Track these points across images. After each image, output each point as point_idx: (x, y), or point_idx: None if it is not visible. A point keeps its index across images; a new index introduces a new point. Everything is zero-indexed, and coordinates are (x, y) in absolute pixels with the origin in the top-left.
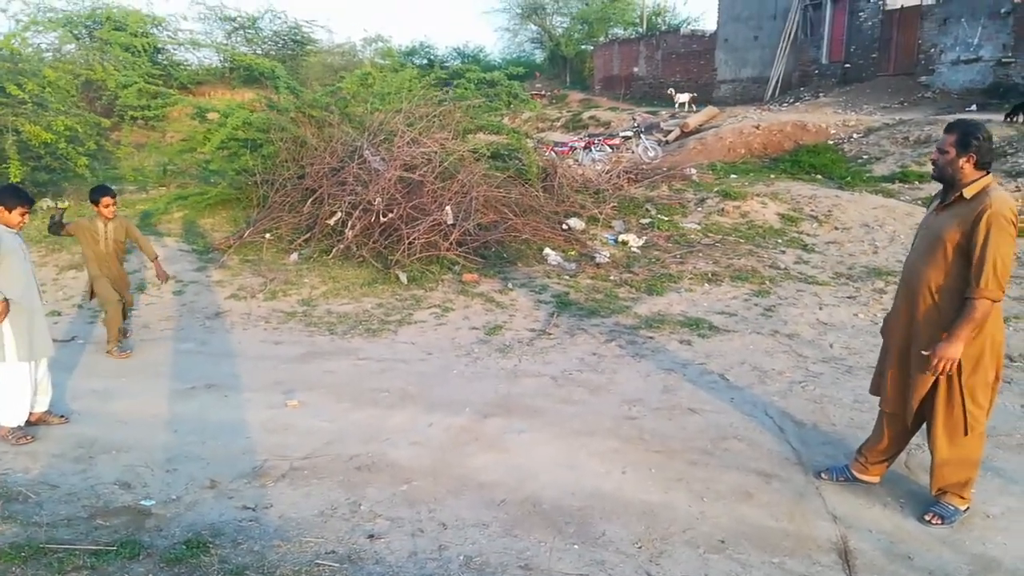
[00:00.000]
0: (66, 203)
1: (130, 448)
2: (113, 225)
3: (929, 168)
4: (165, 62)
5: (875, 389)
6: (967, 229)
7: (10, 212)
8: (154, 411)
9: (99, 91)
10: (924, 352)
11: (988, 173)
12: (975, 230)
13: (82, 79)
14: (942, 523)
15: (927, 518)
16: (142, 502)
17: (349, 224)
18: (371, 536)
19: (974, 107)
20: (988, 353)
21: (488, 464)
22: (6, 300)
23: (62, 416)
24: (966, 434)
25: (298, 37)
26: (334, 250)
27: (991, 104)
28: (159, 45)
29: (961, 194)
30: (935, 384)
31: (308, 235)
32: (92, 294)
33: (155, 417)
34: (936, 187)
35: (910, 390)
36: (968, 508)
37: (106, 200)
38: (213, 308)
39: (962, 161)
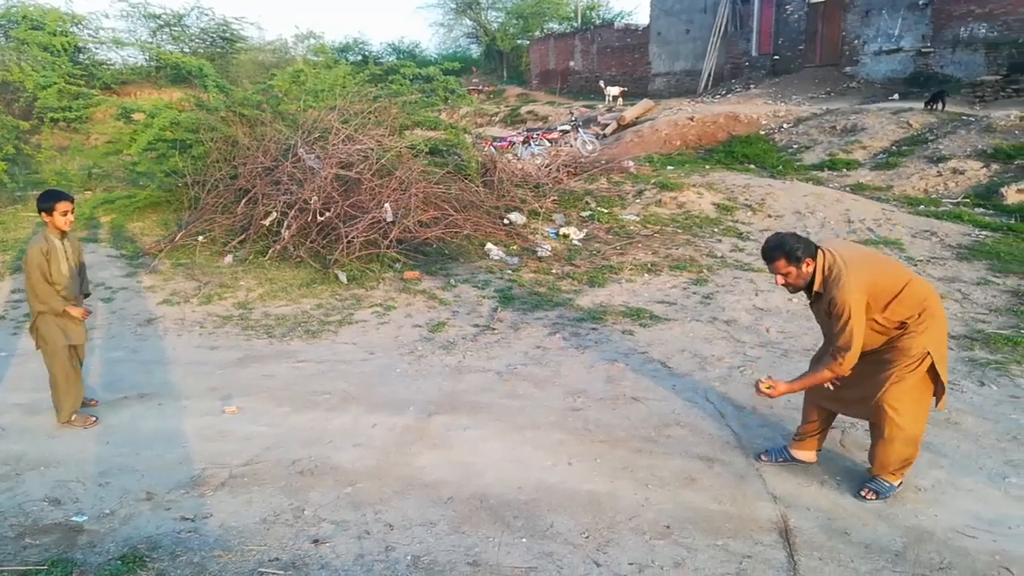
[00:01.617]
0: None
1: (59, 463)
2: (69, 243)
3: (856, 156)
4: (87, 62)
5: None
6: (829, 313)
7: None
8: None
9: (16, 92)
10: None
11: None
12: (835, 317)
13: None
14: (877, 498)
15: (862, 494)
16: (74, 518)
17: (285, 224)
18: (316, 541)
19: (896, 96)
20: (944, 346)
21: (434, 462)
22: None
23: None
24: (937, 406)
25: (227, 34)
26: (270, 251)
27: (912, 93)
28: (80, 44)
29: (815, 291)
30: (900, 375)
31: (243, 236)
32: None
33: (85, 429)
34: None
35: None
36: (901, 483)
37: (64, 206)
38: (145, 315)
39: (804, 268)
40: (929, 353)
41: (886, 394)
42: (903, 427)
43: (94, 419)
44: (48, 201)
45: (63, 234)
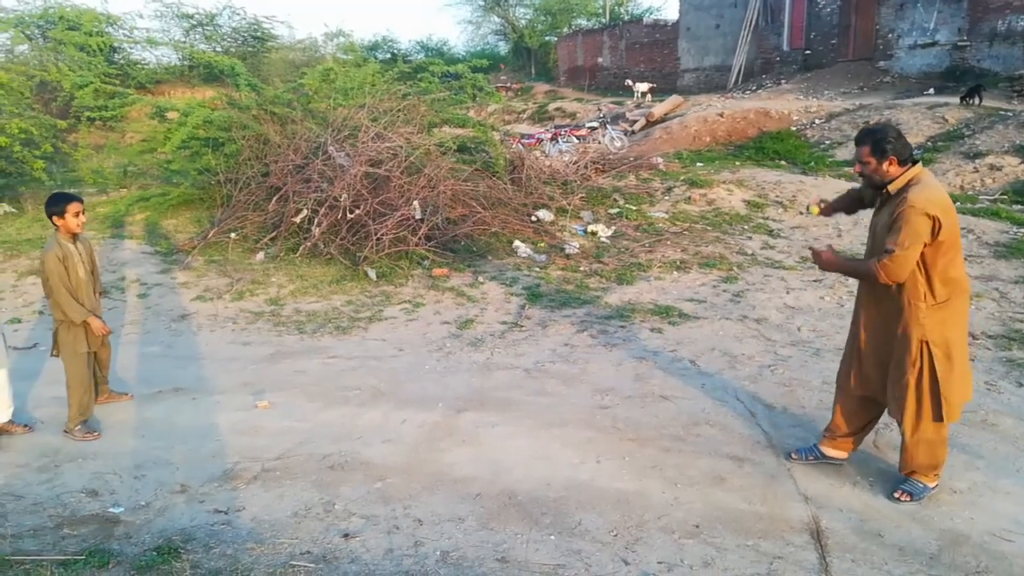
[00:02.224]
0: None
1: (96, 455)
2: (82, 244)
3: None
4: (122, 61)
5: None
6: (893, 217)
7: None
8: (120, 417)
9: (54, 92)
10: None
11: (914, 165)
12: (894, 220)
13: (36, 80)
14: (911, 500)
15: (896, 495)
16: (110, 509)
17: (315, 221)
18: (346, 535)
19: (932, 91)
20: (955, 349)
21: (462, 459)
22: None
23: (26, 425)
24: (940, 420)
25: (258, 33)
26: (301, 248)
27: (948, 87)
28: (115, 44)
29: (887, 190)
30: (907, 371)
31: (274, 233)
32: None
33: (121, 423)
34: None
35: (877, 379)
36: (936, 485)
37: (75, 207)
38: (179, 310)
39: (885, 165)
40: (927, 344)
41: (906, 395)
42: (925, 427)
43: (96, 434)
44: (59, 203)
45: (74, 237)
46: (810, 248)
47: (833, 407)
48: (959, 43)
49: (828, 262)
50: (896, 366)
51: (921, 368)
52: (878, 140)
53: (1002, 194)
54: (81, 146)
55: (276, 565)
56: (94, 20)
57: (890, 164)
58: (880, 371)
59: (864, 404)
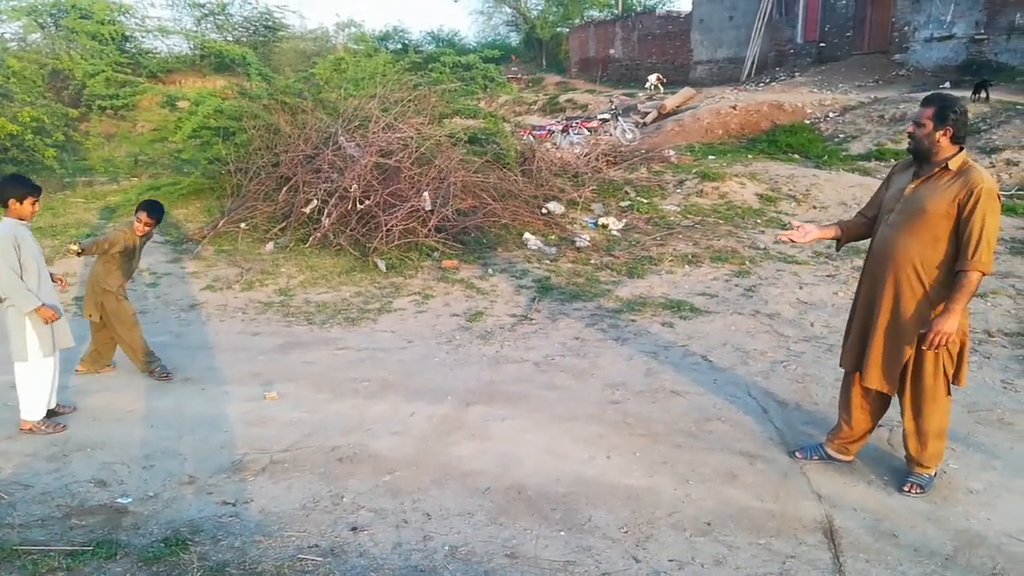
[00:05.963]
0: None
1: (105, 445)
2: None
3: (905, 146)
4: (133, 50)
5: (851, 364)
6: (961, 203)
7: (22, 203)
8: (129, 407)
9: (66, 81)
10: (922, 331)
11: (963, 148)
12: (969, 205)
13: (48, 69)
14: (922, 492)
15: (906, 489)
16: (118, 500)
17: (325, 212)
18: (354, 528)
19: (948, 84)
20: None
21: (471, 452)
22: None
23: (71, 407)
24: (949, 394)
25: (269, 23)
26: (311, 239)
27: (964, 81)
28: (127, 33)
29: (946, 166)
30: (920, 358)
31: (284, 224)
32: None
33: (130, 413)
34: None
35: (893, 363)
36: (936, 474)
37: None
38: (188, 300)
39: (939, 135)
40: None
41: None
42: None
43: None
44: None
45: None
46: (935, 333)
47: (842, 416)
48: (976, 36)
49: (953, 321)
50: (904, 353)
51: (936, 355)
52: (943, 106)
53: (1019, 189)
54: (92, 135)
55: (284, 558)
56: (106, 9)
57: (944, 135)
58: (891, 360)
59: (867, 401)
